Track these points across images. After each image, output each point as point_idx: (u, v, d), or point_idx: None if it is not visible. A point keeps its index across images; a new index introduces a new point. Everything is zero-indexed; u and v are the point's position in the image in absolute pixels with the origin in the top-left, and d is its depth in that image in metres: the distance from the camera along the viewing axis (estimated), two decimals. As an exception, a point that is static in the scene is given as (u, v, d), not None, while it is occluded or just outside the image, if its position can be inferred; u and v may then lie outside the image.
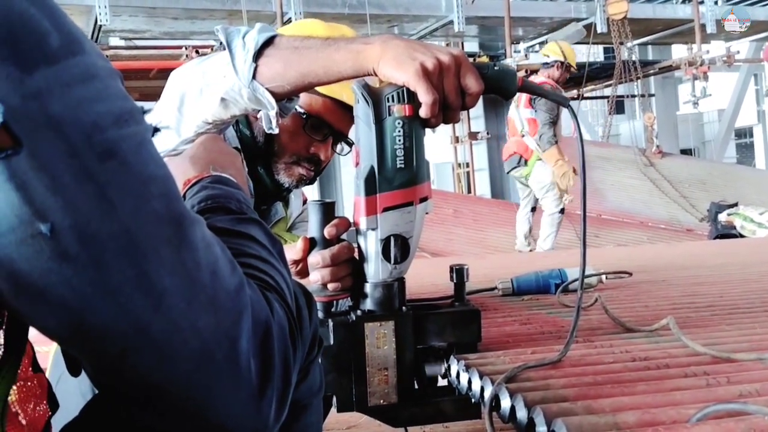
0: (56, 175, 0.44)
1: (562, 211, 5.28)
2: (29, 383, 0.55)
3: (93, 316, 0.47)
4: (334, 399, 1.06)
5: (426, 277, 2.04)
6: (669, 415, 0.69)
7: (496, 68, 1.04)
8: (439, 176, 13.48)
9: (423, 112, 0.96)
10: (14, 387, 0.54)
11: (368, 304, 1.06)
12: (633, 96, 12.64)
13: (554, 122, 5.10)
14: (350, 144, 1.51)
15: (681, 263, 2.32)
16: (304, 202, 1.71)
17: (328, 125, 1.47)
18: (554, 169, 5.05)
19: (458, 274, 1.11)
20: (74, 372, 0.60)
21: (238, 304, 0.53)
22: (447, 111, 0.99)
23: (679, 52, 13.01)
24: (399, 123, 0.99)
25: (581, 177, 0.99)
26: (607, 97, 12.10)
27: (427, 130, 1.05)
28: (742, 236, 5.48)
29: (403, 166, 1.01)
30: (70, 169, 0.44)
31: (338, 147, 1.52)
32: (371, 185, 1.01)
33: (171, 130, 1.15)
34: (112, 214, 0.46)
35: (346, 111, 1.44)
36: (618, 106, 12.61)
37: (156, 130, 0.53)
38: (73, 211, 0.44)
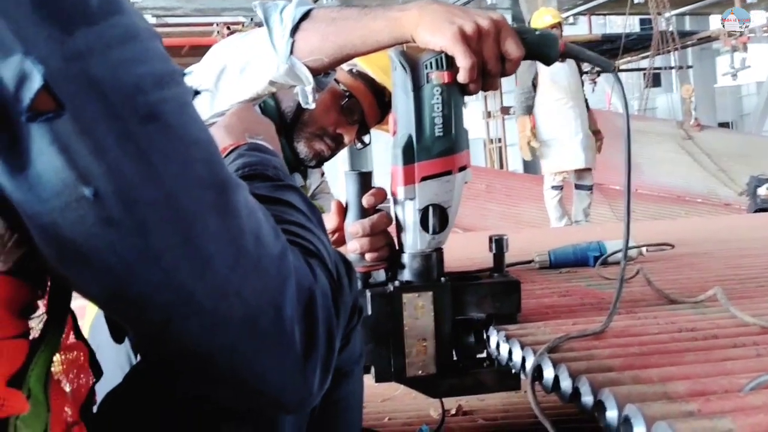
0: (99, 138, 0.43)
1: (558, 187, 5.15)
2: (72, 351, 0.55)
3: (137, 283, 0.46)
4: (372, 369, 1.06)
5: (462, 251, 2.03)
6: (720, 385, 0.67)
7: (537, 33, 1.02)
8: (471, 151, 13.37)
9: (461, 78, 0.94)
10: (57, 356, 0.54)
11: (406, 275, 1.05)
12: (670, 68, 12.35)
13: (534, 88, 4.92)
14: (365, 144, 1.53)
15: (722, 236, 2.27)
16: (322, 174, 1.73)
17: (362, 112, 1.48)
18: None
19: (497, 244, 1.09)
20: (118, 339, 0.60)
21: (282, 271, 0.53)
22: (486, 77, 0.97)
23: (717, 23, 12.63)
24: (437, 90, 0.97)
25: (625, 147, 0.96)
26: (644, 69, 11.83)
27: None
28: (782, 210, 5.34)
29: (441, 134, 0.99)
30: (112, 133, 0.44)
31: (355, 140, 1.54)
32: (409, 154, 1.00)
33: (206, 97, 1.15)
34: (155, 179, 0.45)
35: (381, 109, 1.47)
36: (655, 79, 12.34)
37: (196, 93, 0.52)
38: (117, 175, 0.44)
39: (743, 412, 0.58)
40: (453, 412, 1.67)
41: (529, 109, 4.93)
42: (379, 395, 1.85)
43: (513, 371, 0.94)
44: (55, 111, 0.42)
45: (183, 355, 0.51)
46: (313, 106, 1.16)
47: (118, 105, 0.44)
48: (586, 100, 5.14)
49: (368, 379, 1.10)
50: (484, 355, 1.09)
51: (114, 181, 0.44)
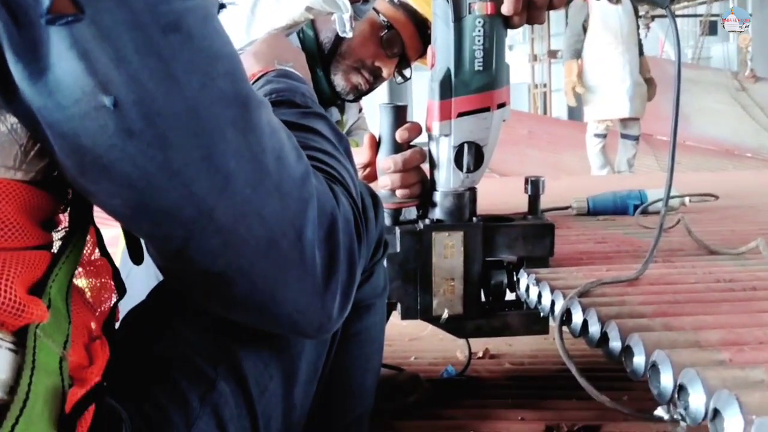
0: (119, 46, 0.42)
1: (601, 135, 5.01)
2: (96, 265, 0.56)
3: (157, 197, 0.46)
4: (398, 306, 1.06)
5: (498, 196, 2.00)
6: (755, 336, 0.64)
7: (588, -37, 0.96)
8: (515, 96, 13.10)
9: (505, 9, 0.90)
10: (81, 270, 0.54)
11: (437, 213, 1.04)
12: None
13: (584, 31, 4.73)
14: (406, 78, 1.48)
15: (770, 191, 2.19)
16: (360, 110, 1.69)
17: (402, 45, 1.43)
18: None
19: (533, 185, 1.07)
20: (137, 260, 0.60)
21: (303, 193, 0.51)
22: (531, 9, 0.92)
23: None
24: (479, 22, 0.93)
25: (675, 90, 0.91)
26: (701, 15, 11.34)
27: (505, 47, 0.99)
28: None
29: (481, 68, 0.95)
30: (133, 41, 0.43)
31: (396, 74, 1.49)
32: (446, 88, 0.97)
33: (242, 23, 1.13)
34: (176, 91, 0.44)
35: (422, 42, 1.41)
36: (711, 27, 11.82)
37: (222, 6, 0.50)
38: (137, 85, 0.43)
39: (778, 364, 0.56)
40: (480, 355, 1.67)
41: (577, 53, 4.76)
42: (407, 334, 1.86)
43: (541, 315, 0.93)
44: (74, 14, 0.41)
45: (202, 274, 0.50)
46: (350, 34, 1.13)
47: (140, 12, 0.43)
48: (641, 46, 4.93)
49: (396, 318, 1.10)
50: (513, 297, 1.08)
51: (134, 91, 0.43)
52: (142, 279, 0.83)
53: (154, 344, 0.60)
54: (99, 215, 0.54)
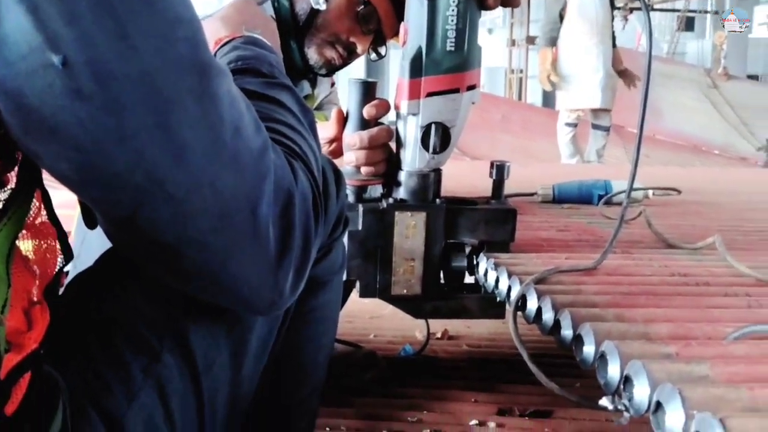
0: (72, 2, 0.40)
1: (572, 125, 5.04)
2: (41, 228, 0.54)
3: (107, 163, 0.44)
4: (358, 285, 1.05)
5: (466, 179, 2.00)
6: (704, 331, 0.65)
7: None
8: (491, 81, 13.12)
9: (480, -11, 0.89)
10: (25, 231, 0.52)
11: (401, 193, 1.03)
12: (705, 12, 11.92)
13: (560, 19, 4.75)
14: (381, 56, 1.46)
15: (733, 188, 2.22)
16: (332, 85, 1.66)
17: (378, 21, 1.40)
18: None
19: (498, 170, 1.07)
20: (90, 225, 0.58)
21: (260, 167, 0.50)
22: None
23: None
24: (454, 1, 0.92)
25: (644, 84, 0.91)
26: (678, 10, 11.43)
27: (483, 32, 0.98)
28: (799, 170, 5.25)
29: (453, 48, 0.94)
30: None
31: (370, 51, 1.46)
32: (417, 67, 0.96)
33: None
34: (131, 54, 0.42)
35: (400, 19, 1.39)
36: (688, 23, 11.92)
37: None
38: (89, 45, 0.41)
39: (723, 359, 0.56)
40: (438, 335, 1.68)
41: (552, 41, 4.77)
42: (368, 312, 1.87)
43: (498, 299, 0.93)
44: None
45: (152, 244, 0.49)
46: (323, 6, 1.11)
47: None
48: (614, 37, 4.95)
49: (357, 295, 1.09)
50: (471, 281, 1.08)
51: (85, 51, 0.41)
52: (98, 244, 0.81)
53: (98, 311, 0.58)
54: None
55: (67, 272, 0.67)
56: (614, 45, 4.87)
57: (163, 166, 0.45)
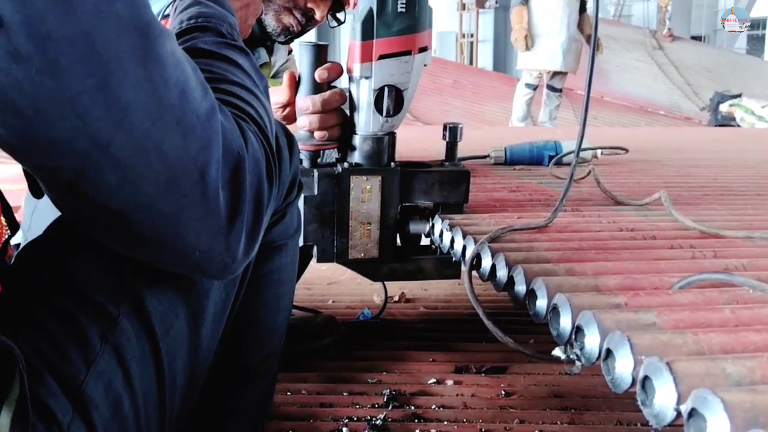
0: None
1: (532, 86, 5.10)
2: None
3: (48, 127, 0.43)
4: (315, 250, 1.06)
5: (419, 143, 2.00)
6: (651, 282, 0.67)
7: None
8: (442, 45, 13.08)
9: (429, -50, 0.88)
10: None
11: (356, 157, 1.03)
12: (650, -26, 12.06)
13: None
14: (340, 22, 1.44)
15: (678, 146, 2.29)
16: (290, 52, 1.64)
17: None
18: (513, 30, 4.88)
19: (452, 132, 1.07)
20: (36, 194, 0.56)
21: (207, 130, 0.49)
22: None
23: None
24: (402, -39, 0.91)
25: (591, 46, 0.92)
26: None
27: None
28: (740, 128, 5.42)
29: (404, 10, 0.94)
30: None
31: (329, 18, 1.44)
32: (368, 29, 0.95)
33: None
34: (69, 13, 0.41)
35: None
36: (634, -15, 12.06)
37: None
38: (25, 4, 0.40)
39: (669, 308, 0.59)
40: (396, 299, 1.70)
41: (525, 0, 4.83)
42: (326, 278, 1.87)
43: (453, 260, 0.94)
44: None
45: (99, 210, 0.48)
46: None
47: None
48: (583, 2, 4.98)
49: (315, 262, 1.10)
50: (427, 242, 1.09)
51: (21, 11, 0.40)
52: (49, 214, 0.79)
53: (50, 280, 0.57)
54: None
55: (18, 244, 0.65)
56: (584, 10, 4.92)
57: (106, 130, 0.44)
